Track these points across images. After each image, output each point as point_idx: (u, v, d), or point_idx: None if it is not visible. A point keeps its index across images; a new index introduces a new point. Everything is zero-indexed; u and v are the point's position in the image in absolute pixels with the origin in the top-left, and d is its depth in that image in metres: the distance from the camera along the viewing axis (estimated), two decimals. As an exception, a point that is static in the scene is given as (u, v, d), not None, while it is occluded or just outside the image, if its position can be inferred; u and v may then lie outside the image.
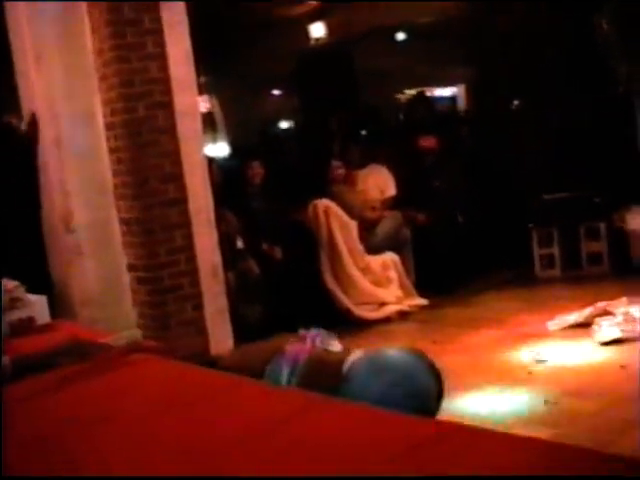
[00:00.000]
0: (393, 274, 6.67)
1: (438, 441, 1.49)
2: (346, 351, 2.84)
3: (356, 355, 2.72)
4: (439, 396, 2.67)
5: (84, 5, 5.04)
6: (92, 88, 5.09)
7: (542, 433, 3.48)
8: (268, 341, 3.10)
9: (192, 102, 5.20)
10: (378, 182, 7.27)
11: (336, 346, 2.95)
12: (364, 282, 6.50)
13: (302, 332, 3.01)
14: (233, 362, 3.01)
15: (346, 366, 2.66)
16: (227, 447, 1.61)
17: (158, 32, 4.97)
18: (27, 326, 3.30)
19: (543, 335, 5.31)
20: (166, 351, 2.63)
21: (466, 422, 2.92)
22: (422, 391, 2.57)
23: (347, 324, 6.19)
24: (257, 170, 6.69)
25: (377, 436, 1.54)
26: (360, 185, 7.24)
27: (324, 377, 2.66)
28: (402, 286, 6.69)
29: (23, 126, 5.33)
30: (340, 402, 1.83)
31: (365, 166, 7.32)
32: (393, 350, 2.80)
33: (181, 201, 5.02)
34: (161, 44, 4.98)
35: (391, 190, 7.26)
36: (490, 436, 1.62)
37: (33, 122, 5.18)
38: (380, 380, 2.53)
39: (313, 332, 2.96)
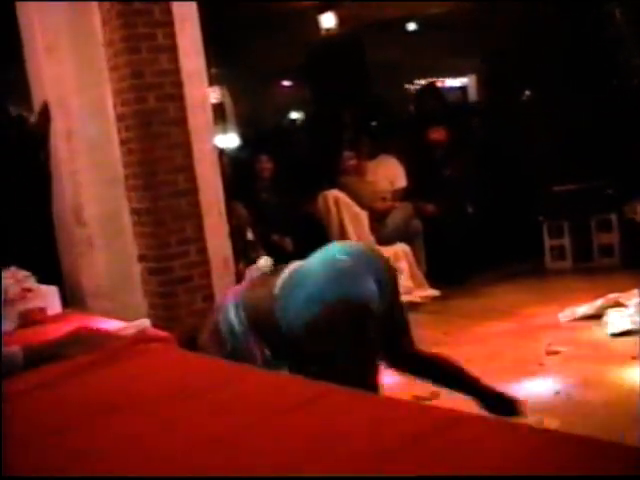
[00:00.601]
0: (404, 265, 6.66)
1: (446, 428, 1.49)
2: (277, 272, 2.98)
3: (284, 274, 2.89)
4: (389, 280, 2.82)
5: (95, -4, 5.04)
6: (103, 79, 5.09)
7: (553, 424, 3.47)
8: None
9: (202, 94, 5.20)
10: (388, 173, 7.26)
11: (265, 262, 3.13)
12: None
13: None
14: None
15: (277, 287, 2.87)
16: (240, 434, 1.61)
17: (168, 24, 4.97)
18: (38, 316, 3.32)
19: (554, 327, 5.30)
20: (175, 341, 2.64)
21: (477, 411, 2.93)
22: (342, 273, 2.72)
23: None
24: (266, 164, 6.70)
25: (387, 423, 1.54)
26: (370, 176, 7.23)
27: (261, 300, 2.91)
28: (413, 277, 6.68)
29: (33, 118, 5.33)
30: (349, 392, 1.83)
31: (375, 157, 7.32)
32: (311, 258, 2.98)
33: (192, 192, 5.03)
34: (171, 36, 4.98)
35: (401, 181, 7.26)
36: (498, 426, 1.62)
37: (45, 111, 5.17)
38: (301, 290, 2.80)
39: (252, 269, 3.12)
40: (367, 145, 7.39)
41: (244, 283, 3.11)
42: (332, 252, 2.94)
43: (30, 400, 2.02)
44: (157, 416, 1.83)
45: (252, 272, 3.14)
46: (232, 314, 2.93)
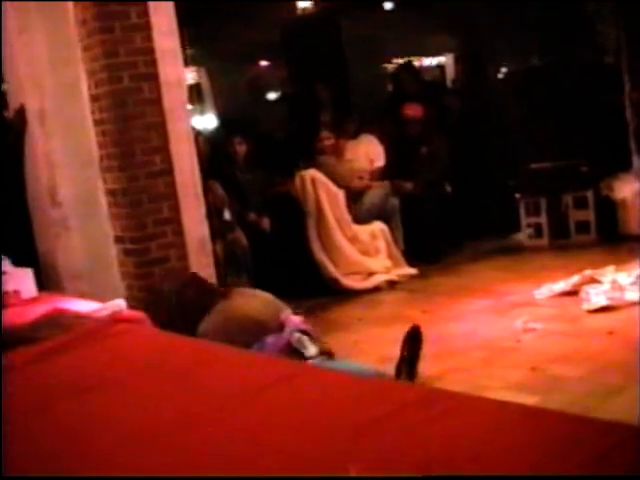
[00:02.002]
0: (381, 244, 6.67)
1: (422, 405, 1.49)
2: (312, 356, 2.84)
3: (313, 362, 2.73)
4: None
5: (66, -25, 4.98)
6: (76, 59, 5.04)
7: (529, 400, 3.50)
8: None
9: (178, 73, 5.15)
10: (368, 152, 7.26)
11: (311, 350, 2.93)
12: (352, 252, 6.51)
13: (286, 315, 2.97)
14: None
15: None
16: (219, 413, 1.61)
17: (142, 2, 4.91)
18: (13, 299, 3.30)
19: (531, 303, 5.33)
20: (149, 321, 2.63)
21: (454, 388, 2.95)
22: None
23: (335, 294, 6.21)
24: (239, 146, 6.69)
25: (360, 400, 1.55)
26: (349, 155, 7.23)
27: None
28: (390, 255, 6.69)
29: (8, 114, 5.28)
30: (324, 371, 1.83)
31: (357, 136, 7.32)
32: (343, 365, 2.81)
33: (167, 173, 5.00)
34: (145, 14, 4.92)
35: (380, 160, 7.26)
36: (474, 401, 1.63)
37: (21, 114, 5.12)
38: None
39: (296, 321, 2.94)
40: (353, 123, 7.39)
41: (281, 340, 2.92)
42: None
43: (5, 383, 2.01)
44: (133, 396, 1.83)
45: (294, 338, 2.94)
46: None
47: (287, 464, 1.32)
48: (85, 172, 5.13)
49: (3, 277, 3.35)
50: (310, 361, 2.76)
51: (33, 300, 3.35)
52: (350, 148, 7.25)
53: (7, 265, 3.43)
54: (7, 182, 5.13)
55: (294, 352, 2.83)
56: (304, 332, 2.99)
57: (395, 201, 7.03)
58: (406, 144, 7.37)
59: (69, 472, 1.46)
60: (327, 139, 7.19)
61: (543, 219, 7.27)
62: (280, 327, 2.99)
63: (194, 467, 1.40)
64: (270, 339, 2.87)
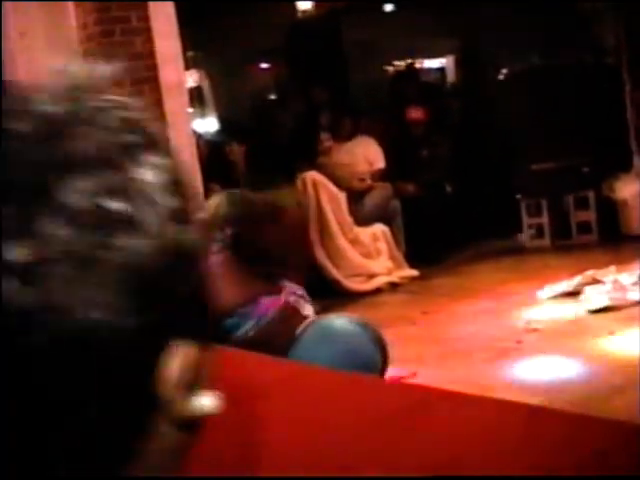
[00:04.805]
0: (383, 245, 6.67)
1: (425, 406, 1.49)
2: (309, 316, 2.85)
3: (310, 320, 2.75)
4: (383, 368, 2.70)
5: (67, -21, 4.99)
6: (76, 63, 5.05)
7: (532, 400, 3.50)
8: None
9: (178, 76, 5.17)
10: (367, 154, 7.26)
11: (307, 309, 2.97)
12: (354, 254, 6.51)
13: (284, 283, 3.00)
14: None
15: (299, 329, 2.69)
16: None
17: (142, 6, 4.93)
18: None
19: (533, 304, 5.33)
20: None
21: (456, 388, 2.95)
22: (367, 363, 2.60)
23: (337, 296, 6.21)
24: (237, 154, 6.70)
25: (363, 401, 1.55)
26: (348, 157, 7.23)
27: (279, 336, 2.68)
28: (392, 257, 6.69)
29: None
30: (316, 368, 1.82)
31: (353, 138, 7.32)
32: (341, 319, 2.82)
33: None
34: (145, 18, 4.94)
35: (380, 162, 7.26)
36: (476, 401, 1.63)
37: None
38: (326, 349, 2.56)
39: (293, 287, 2.97)
40: (347, 126, 7.38)
41: (279, 301, 2.90)
42: None
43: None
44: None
45: (293, 299, 2.92)
46: (246, 328, 2.77)
47: (285, 466, 1.31)
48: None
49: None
50: (308, 319, 2.78)
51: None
52: (348, 150, 7.25)
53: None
54: None
55: (292, 311, 2.86)
56: (300, 296, 3.03)
57: (396, 203, 7.04)
58: (407, 146, 7.38)
59: None
60: (326, 141, 7.20)
61: (545, 220, 7.27)
62: (278, 291, 3.03)
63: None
64: (265, 300, 2.88)
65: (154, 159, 0.52)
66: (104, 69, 0.54)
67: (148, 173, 0.50)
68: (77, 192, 0.47)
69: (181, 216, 0.51)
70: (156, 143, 0.54)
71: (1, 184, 0.47)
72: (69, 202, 0.47)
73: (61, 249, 0.46)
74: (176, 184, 0.52)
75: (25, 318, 0.45)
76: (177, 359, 0.53)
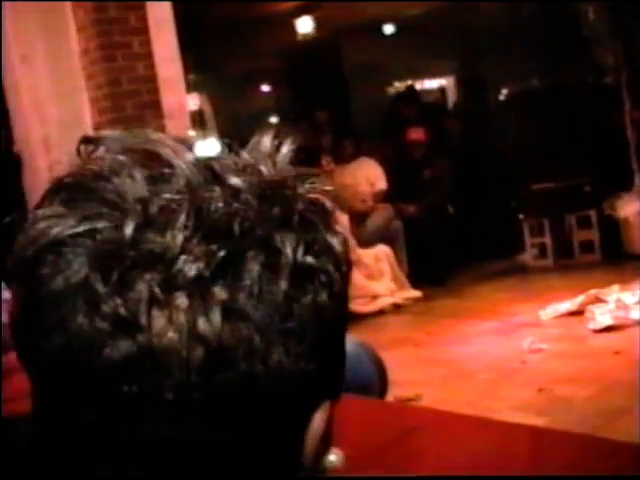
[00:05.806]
0: (385, 267, 6.67)
1: (431, 428, 1.49)
2: None
3: None
4: (382, 390, 2.69)
5: (69, 4, 5.03)
6: (79, 88, 5.08)
7: (536, 421, 3.49)
8: None
9: (180, 100, 5.20)
10: (368, 175, 7.28)
11: None
12: (356, 275, 6.50)
13: None
14: None
15: None
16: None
17: (144, 31, 4.97)
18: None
19: (536, 324, 5.32)
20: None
21: (461, 410, 2.94)
22: (365, 385, 2.59)
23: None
24: None
25: (368, 424, 1.55)
26: (349, 179, 7.25)
27: None
28: (395, 278, 6.69)
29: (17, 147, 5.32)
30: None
31: (354, 159, 7.34)
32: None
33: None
34: (147, 43, 4.98)
35: (381, 183, 7.27)
36: (481, 423, 1.62)
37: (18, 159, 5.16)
38: None
39: None
40: (348, 148, 7.41)
41: None
42: None
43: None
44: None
45: None
46: None
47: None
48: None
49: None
50: None
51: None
52: (349, 172, 7.26)
53: (6, 293, 3.41)
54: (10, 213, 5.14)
55: None
56: None
57: (399, 224, 7.05)
58: (409, 167, 7.40)
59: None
60: (328, 164, 7.22)
61: (547, 239, 7.27)
62: None
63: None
64: None
65: (338, 227, 0.60)
66: (289, 147, 0.62)
67: (335, 239, 0.58)
68: (289, 246, 0.53)
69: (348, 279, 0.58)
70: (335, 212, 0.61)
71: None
72: (284, 253, 0.52)
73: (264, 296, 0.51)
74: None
75: (224, 353, 0.49)
76: (322, 413, 0.55)
